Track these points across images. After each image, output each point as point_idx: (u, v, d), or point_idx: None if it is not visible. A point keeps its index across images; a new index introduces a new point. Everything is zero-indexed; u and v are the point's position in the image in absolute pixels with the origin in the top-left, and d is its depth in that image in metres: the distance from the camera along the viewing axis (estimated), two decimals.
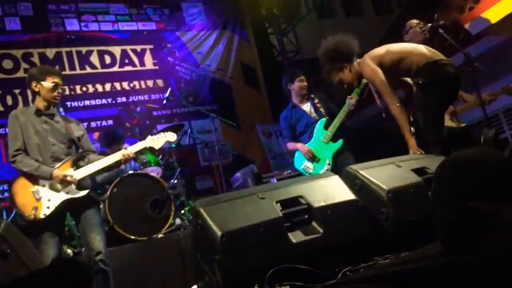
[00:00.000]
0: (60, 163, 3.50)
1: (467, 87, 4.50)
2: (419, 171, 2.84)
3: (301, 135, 4.97)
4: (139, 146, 3.92)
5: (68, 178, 3.44)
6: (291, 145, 5.02)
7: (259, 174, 6.32)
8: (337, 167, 4.49)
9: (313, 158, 4.73)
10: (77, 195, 3.46)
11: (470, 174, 1.34)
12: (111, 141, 5.79)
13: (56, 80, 3.61)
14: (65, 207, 3.44)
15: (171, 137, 4.13)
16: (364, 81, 4.28)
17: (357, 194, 2.64)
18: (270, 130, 8.82)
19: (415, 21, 4.49)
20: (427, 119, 3.49)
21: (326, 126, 4.80)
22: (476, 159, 1.37)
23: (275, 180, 5.78)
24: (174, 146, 5.96)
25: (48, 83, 3.58)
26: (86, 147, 3.70)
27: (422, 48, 3.59)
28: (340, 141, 4.72)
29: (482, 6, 6.20)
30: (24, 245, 2.89)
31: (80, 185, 3.52)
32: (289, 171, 6.61)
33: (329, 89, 6.72)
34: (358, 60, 3.76)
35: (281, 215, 2.39)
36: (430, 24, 4.43)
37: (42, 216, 3.32)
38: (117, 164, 3.74)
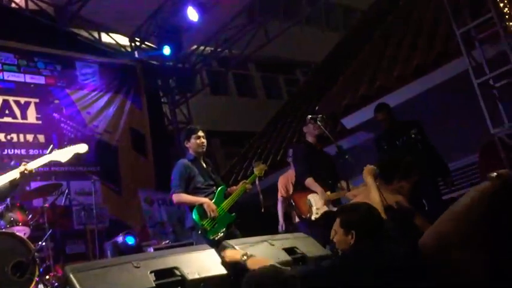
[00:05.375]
0: None
1: (340, 176, 4.94)
2: (289, 250, 3.05)
3: (196, 191, 4.61)
4: (44, 160, 3.59)
5: None
6: (186, 197, 4.54)
7: (122, 245, 6.18)
8: (226, 238, 4.15)
9: (213, 220, 4.43)
10: None
11: None
12: None
13: None
14: None
15: (81, 148, 3.84)
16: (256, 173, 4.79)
17: (230, 269, 2.74)
18: (153, 197, 8.71)
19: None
20: None
21: (225, 195, 4.65)
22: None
23: (152, 250, 5.68)
24: (47, 205, 5.66)
25: None
26: None
27: None
28: (234, 215, 4.60)
29: (356, 105, 6.96)
30: None
31: None
32: (168, 241, 6.54)
33: (215, 163, 6.89)
34: None
35: (154, 285, 2.41)
36: (309, 116, 4.89)
37: None
38: (12, 184, 3.44)
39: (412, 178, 3.48)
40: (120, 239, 6.48)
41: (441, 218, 2.10)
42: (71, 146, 3.79)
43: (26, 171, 3.38)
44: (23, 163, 3.50)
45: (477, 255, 1.86)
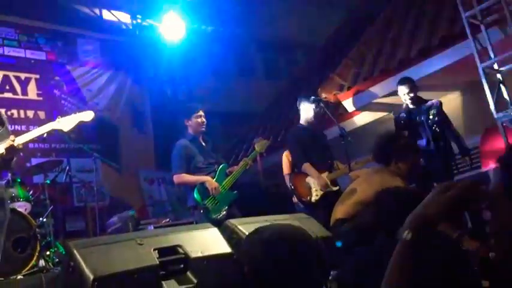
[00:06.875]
0: None
1: (342, 157, 4.94)
2: None
3: (197, 171, 4.57)
4: (41, 130, 3.20)
5: None
6: (187, 177, 4.51)
7: (139, 220, 6.17)
8: (227, 217, 4.11)
9: (215, 198, 4.41)
10: None
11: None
12: None
13: None
14: None
15: (87, 116, 3.43)
16: (257, 149, 4.74)
17: (233, 247, 2.75)
18: (153, 176, 8.72)
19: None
20: None
21: (226, 174, 4.61)
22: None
23: (152, 228, 5.70)
24: (48, 181, 5.66)
25: None
26: None
27: None
28: (235, 192, 4.59)
29: (358, 88, 6.94)
30: None
31: None
32: (168, 219, 6.57)
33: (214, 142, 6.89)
34: None
35: (157, 262, 2.42)
36: (312, 98, 4.88)
37: None
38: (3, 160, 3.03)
39: (409, 159, 3.46)
40: (136, 214, 6.47)
41: None
42: (76, 114, 3.41)
43: (11, 147, 3.04)
44: (11, 137, 3.16)
45: None
